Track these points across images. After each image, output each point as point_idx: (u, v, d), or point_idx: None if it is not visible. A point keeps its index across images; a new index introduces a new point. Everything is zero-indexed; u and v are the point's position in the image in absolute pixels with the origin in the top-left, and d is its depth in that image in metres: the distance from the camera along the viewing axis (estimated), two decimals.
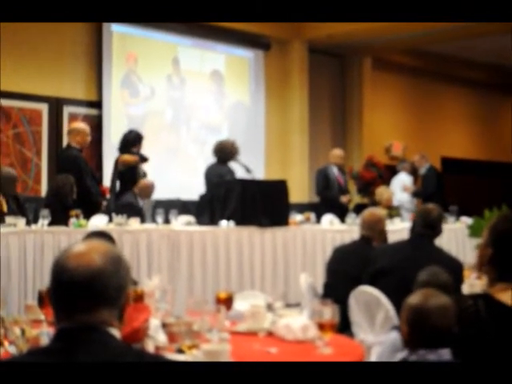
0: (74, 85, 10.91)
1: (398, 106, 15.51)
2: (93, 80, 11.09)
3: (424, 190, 11.75)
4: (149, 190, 8.65)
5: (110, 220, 7.44)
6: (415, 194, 11.81)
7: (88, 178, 8.18)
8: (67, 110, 10.81)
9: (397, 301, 4.47)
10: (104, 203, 8.46)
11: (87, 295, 1.96)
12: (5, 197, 7.52)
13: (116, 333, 2.00)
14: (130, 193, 8.58)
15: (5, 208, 7.40)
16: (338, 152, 10.75)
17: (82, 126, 8.68)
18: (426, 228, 4.99)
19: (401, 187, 11.79)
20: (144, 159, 9.03)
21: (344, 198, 10.37)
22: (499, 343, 2.70)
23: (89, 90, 11.07)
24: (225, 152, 8.67)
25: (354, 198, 11.30)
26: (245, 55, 12.96)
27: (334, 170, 10.53)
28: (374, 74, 14.45)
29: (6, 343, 2.97)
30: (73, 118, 10.70)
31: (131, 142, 9.00)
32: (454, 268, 4.48)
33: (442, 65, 15.47)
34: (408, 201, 11.61)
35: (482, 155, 17.09)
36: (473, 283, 4.95)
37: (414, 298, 2.80)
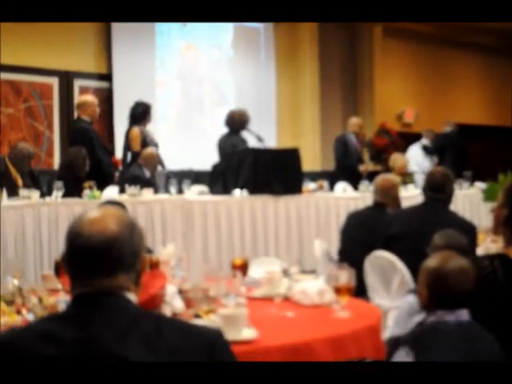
0: (84, 58, 10.88)
1: (409, 73, 15.39)
2: (103, 53, 11.05)
3: (436, 146, 11.88)
4: (153, 159, 8.48)
5: (123, 191, 7.44)
6: (428, 151, 11.88)
7: (99, 150, 8.17)
8: (77, 84, 10.80)
9: (411, 265, 4.48)
10: (117, 174, 8.46)
11: (103, 261, 1.96)
12: (20, 172, 7.56)
13: (133, 297, 2.01)
14: (135, 165, 8.52)
15: (20, 183, 7.44)
16: (355, 120, 10.75)
17: (90, 98, 8.66)
18: (434, 191, 4.93)
19: (418, 157, 11.93)
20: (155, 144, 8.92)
21: (362, 167, 10.39)
22: None
23: (99, 62, 11.04)
24: (235, 122, 8.65)
25: (368, 165, 11.28)
26: (255, 26, 12.86)
27: (352, 138, 10.52)
28: (384, 42, 14.33)
29: (24, 311, 2.99)
30: (83, 91, 10.69)
31: (141, 114, 8.95)
32: (468, 230, 4.46)
33: (453, 31, 15.32)
34: (428, 166, 11.61)
35: (494, 121, 16.98)
36: (488, 247, 4.94)
37: (433, 261, 2.77)
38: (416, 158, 11.83)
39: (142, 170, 8.36)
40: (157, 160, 8.56)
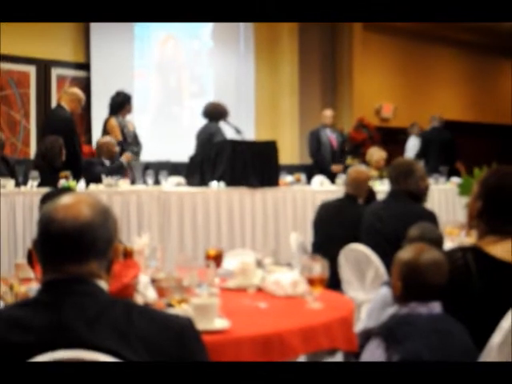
0: (62, 46, 10.81)
1: (388, 68, 15.43)
2: (81, 41, 10.98)
3: (424, 141, 11.95)
4: (107, 147, 8.28)
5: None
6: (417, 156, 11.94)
7: (76, 140, 8.11)
8: (55, 72, 10.73)
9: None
10: None
11: (76, 247, 1.95)
12: None
13: (104, 285, 2.00)
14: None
15: None
16: (328, 113, 10.72)
17: (80, 93, 8.49)
18: (393, 183, 4.95)
19: (412, 151, 11.98)
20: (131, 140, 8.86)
21: (335, 168, 10.24)
22: (487, 296, 2.71)
23: (77, 51, 10.97)
24: (212, 112, 8.70)
25: (344, 163, 11.26)
26: None
27: (327, 132, 10.49)
28: (364, 36, 14.34)
29: None
30: (61, 79, 10.62)
31: (120, 104, 8.90)
32: (429, 218, 4.47)
33: (434, 26, 15.36)
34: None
35: (473, 117, 17.06)
36: (462, 241, 4.96)
37: (407, 253, 2.77)
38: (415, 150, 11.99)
39: (100, 158, 8.27)
40: (113, 148, 8.34)
